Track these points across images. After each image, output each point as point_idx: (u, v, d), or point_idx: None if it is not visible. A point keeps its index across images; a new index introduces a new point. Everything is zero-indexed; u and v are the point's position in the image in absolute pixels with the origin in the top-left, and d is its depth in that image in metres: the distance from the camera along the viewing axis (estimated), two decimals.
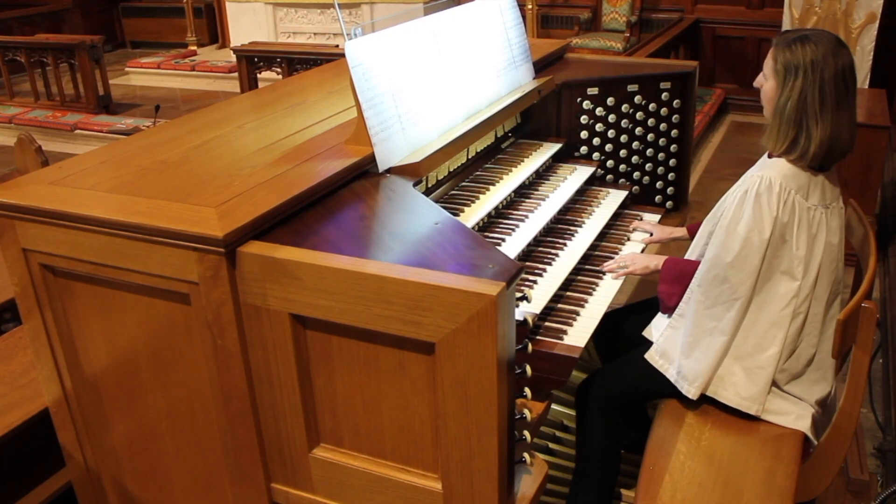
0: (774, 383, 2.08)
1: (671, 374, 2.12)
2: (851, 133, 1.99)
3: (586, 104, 2.81)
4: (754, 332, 2.04)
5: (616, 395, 2.26)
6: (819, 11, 6.17)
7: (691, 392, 2.09)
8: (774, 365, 2.03)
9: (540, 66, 2.88)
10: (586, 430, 2.30)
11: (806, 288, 2.01)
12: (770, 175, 1.97)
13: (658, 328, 2.25)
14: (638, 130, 2.84)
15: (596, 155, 2.87)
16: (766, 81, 2.03)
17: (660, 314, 2.28)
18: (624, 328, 2.51)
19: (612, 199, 2.73)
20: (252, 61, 6.71)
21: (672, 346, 2.13)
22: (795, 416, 2.08)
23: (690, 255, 2.24)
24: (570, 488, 2.39)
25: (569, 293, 2.23)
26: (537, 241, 2.34)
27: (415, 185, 1.92)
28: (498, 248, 1.93)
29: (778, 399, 2.09)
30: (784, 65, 1.95)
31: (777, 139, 1.99)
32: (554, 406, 2.83)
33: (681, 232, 2.63)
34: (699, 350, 2.06)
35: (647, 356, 2.17)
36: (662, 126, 2.84)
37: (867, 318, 1.84)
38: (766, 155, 2.10)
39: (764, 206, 1.95)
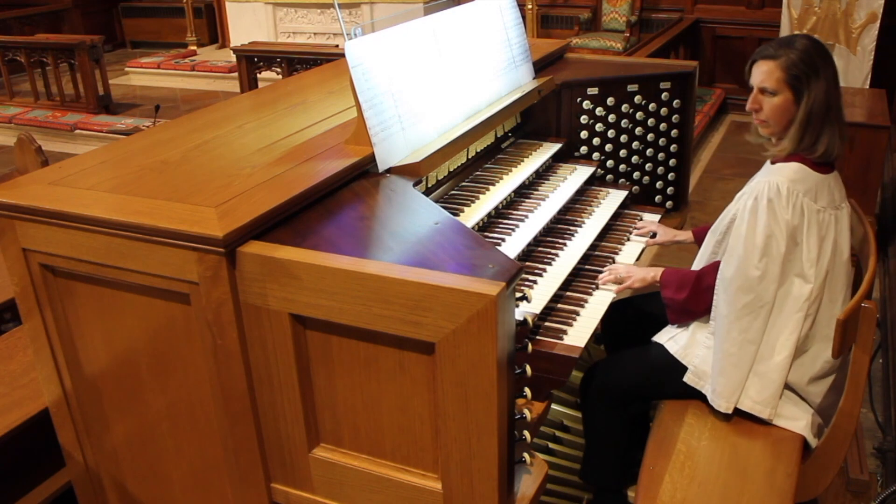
0: (791, 386, 2.08)
1: (707, 392, 2.11)
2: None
3: (586, 104, 2.81)
4: (769, 336, 2.03)
5: (626, 389, 2.24)
6: (818, 11, 6.17)
7: (723, 406, 2.07)
8: (787, 367, 2.03)
9: (540, 66, 2.88)
10: (593, 422, 2.29)
11: (816, 290, 2.01)
12: (777, 180, 1.97)
13: (669, 332, 2.24)
14: (638, 130, 2.84)
15: (596, 155, 2.87)
16: (773, 97, 2.01)
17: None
18: (630, 315, 2.50)
19: (612, 199, 2.73)
20: (252, 61, 6.71)
21: (708, 366, 2.12)
22: (806, 422, 2.08)
23: (697, 265, 2.23)
24: (582, 464, 2.38)
25: (569, 293, 2.23)
26: (537, 241, 2.34)
27: (415, 185, 1.92)
28: (498, 248, 1.93)
29: (790, 405, 2.09)
30: (800, 70, 1.95)
31: (800, 141, 1.99)
32: (554, 406, 2.83)
33: (685, 235, 2.61)
34: (731, 365, 2.04)
35: (685, 379, 2.14)
36: (662, 126, 2.83)
37: (867, 318, 1.84)
38: (768, 162, 2.10)
39: (777, 210, 1.95)
